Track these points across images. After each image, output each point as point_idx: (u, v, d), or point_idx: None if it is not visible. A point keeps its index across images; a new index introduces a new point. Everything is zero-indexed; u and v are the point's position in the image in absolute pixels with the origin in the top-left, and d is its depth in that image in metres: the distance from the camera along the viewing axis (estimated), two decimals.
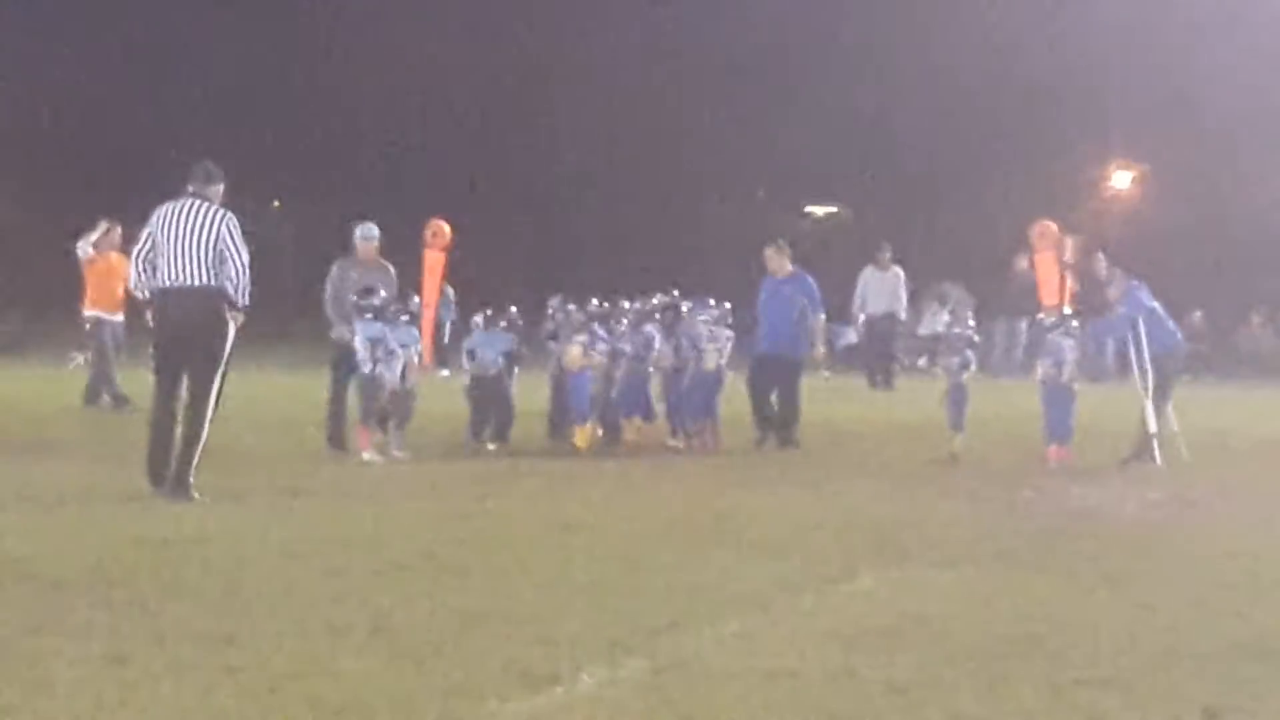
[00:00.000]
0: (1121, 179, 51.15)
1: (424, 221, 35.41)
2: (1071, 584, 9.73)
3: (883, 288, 28.98)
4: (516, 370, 18.38)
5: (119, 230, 22.65)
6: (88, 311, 22.61)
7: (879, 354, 28.89)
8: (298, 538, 10.98)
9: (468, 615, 8.43)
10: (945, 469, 16.43)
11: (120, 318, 22.44)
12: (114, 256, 22.33)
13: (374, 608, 8.56)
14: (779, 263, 19.28)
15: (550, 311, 18.69)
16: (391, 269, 17.43)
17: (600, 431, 18.20)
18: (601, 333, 18.25)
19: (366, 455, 16.19)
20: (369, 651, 7.65)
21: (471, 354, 18.38)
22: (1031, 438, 17.33)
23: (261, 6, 54.66)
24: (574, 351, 17.97)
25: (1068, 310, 19.45)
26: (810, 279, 19.22)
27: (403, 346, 17.10)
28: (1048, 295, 31.65)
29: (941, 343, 18.21)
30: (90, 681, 7.05)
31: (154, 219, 13.34)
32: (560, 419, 18.50)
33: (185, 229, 13.14)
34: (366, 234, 17.41)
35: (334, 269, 17.42)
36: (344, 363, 17.02)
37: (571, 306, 18.57)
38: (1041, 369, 17.12)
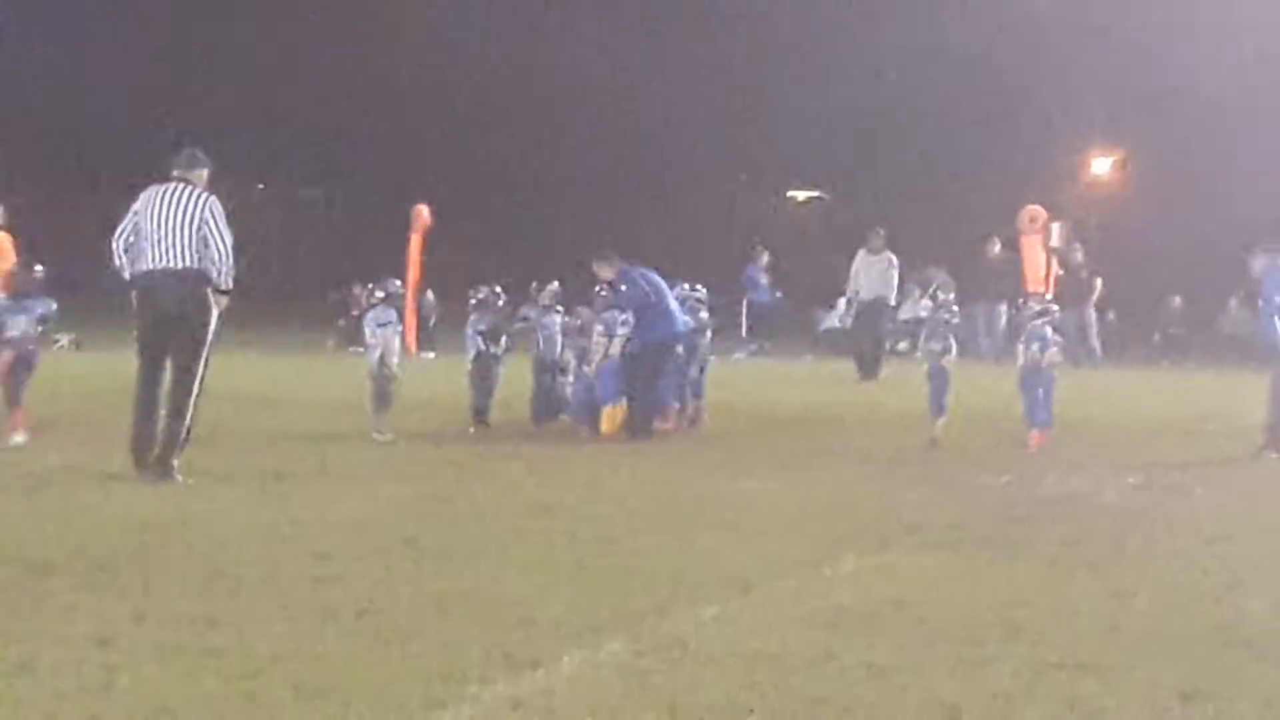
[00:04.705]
0: (1101, 164, 51.26)
1: (407, 206, 35.62)
2: (1051, 569, 9.76)
3: (874, 272, 28.59)
4: (502, 345, 18.30)
5: None
6: None
7: (869, 340, 28.51)
8: (281, 521, 11.01)
9: (450, 599, 8.46)
10: (926, 454, 16.45)
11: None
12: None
13: (357, 591, 8.60)
14: (605, 272, 18.34)
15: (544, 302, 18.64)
16: None
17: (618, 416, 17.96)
18: (618, 316, 17.93)
19: (18, 438, 15.64)
20: (352, 635, 7.68)
21: (472, 337, 18.29)
22: (1012, 423, 17.36)
23: None
24: (601, 341, 17.79)
25: (1049, 297, 19.44)
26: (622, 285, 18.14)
27: (381, 326, 17.08)
28: (1033, 281, 31.71)
29: (925, 327, 18.22)
30: (74, 663, 7.07)
31: (139, 202, 13.38)
32: (542, 405, 18.52)
33: (169, 213, 13.17)
34: None
35: None
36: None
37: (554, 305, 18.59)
38: (1022, 355, 17.13)
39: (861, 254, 28.76)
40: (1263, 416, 16.73)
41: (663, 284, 18.25)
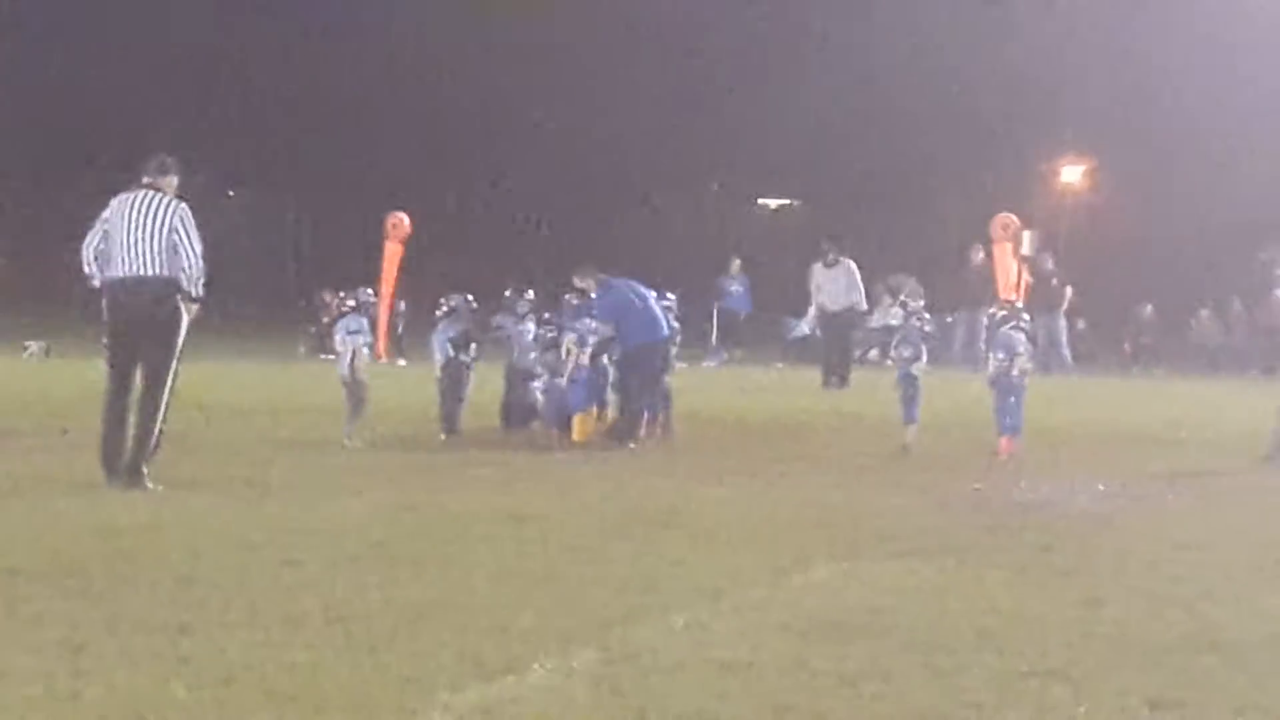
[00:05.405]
0: (1072, 172, 51.36)
1: (381, 214, 35.58)
2: (1021, 577, 9.77)
3: (834, 283, 28.39)
4: (472, 353, 18.23)
5: None
6: None
7: (837, 351, 28.34)
8: (252, 528, 10.99)
9: (421, 606, 8.45)
10: (897, 461, 16.47)
11: None
12: None
13: (328, 598, 8.57)
14: (586, 285, 18.35)
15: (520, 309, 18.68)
16: None
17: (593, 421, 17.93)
18: (590, 325, 17.90)
19: None
20: (323, 642, 7.66)
21: (442, 345, 18.21)
22: (983, 430, 17.39)
23: None
24: (573, 349, 17.72)
25: (1020, 304, 19.47)
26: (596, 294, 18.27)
27: (351, 334, 17.04)
28: (1004, 288, 31.81)
29: (896, 334, 18.23)
30: (44, 670, 7.04)
31: (108, 210, 13.35)
32: (513, 411, 18.51)
33: (138, 220, 13.14)
34: None
35: None
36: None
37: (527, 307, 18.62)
38: (992, 362, 17.15)
39: (817, 267, 28.59)
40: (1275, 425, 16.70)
41: (645, 291, 18.26)
